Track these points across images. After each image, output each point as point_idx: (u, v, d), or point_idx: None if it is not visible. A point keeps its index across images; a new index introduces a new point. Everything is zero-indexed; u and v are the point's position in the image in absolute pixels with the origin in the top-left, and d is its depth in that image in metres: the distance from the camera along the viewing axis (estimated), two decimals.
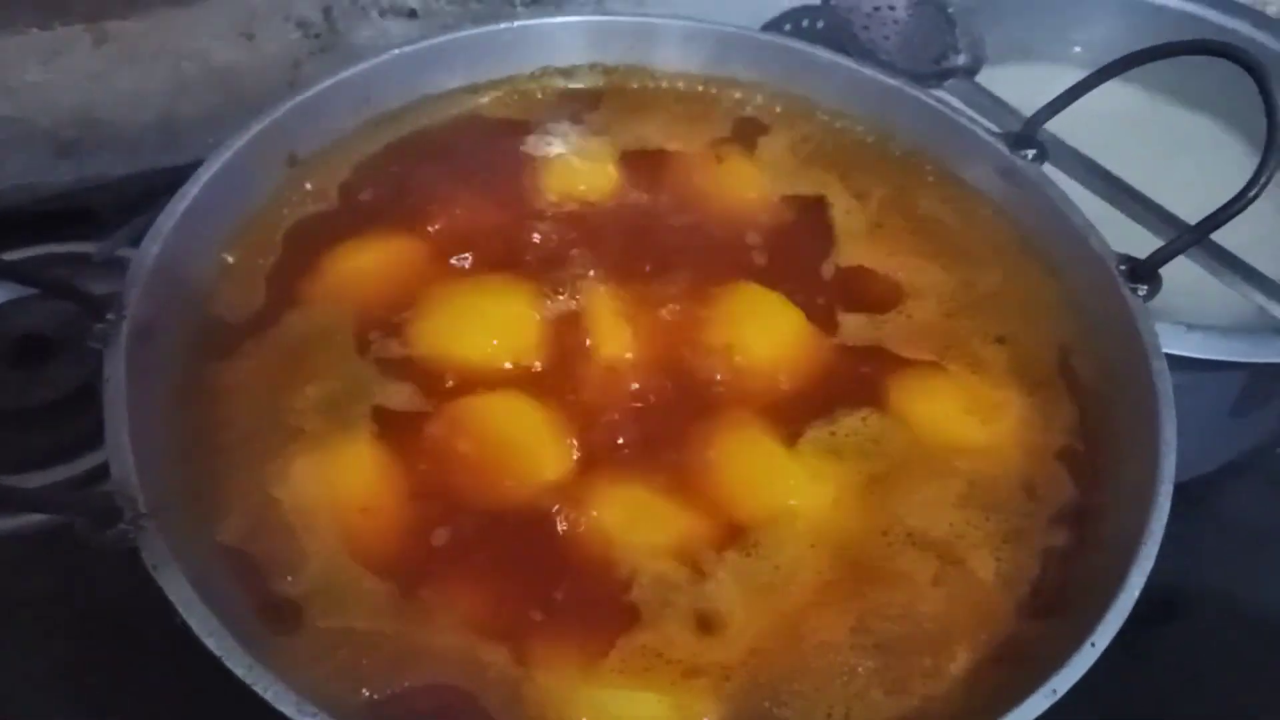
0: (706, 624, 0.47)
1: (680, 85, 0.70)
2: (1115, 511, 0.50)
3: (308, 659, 0.44)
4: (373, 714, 0.43)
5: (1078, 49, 0.92)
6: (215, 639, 0.40)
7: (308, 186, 0.62)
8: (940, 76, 0.77)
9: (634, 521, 0.50)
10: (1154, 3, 0.90)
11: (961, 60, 0.78)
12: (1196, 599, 0.69)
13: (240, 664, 0.39)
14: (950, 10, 0.80)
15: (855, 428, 0.54)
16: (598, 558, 0.48)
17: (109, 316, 0.48)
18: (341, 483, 0.49)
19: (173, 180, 0.55)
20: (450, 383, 0.53)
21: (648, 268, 0.60)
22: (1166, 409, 0.50)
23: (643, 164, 0.66)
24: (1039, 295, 0.60)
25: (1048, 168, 0.62)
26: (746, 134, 0.68)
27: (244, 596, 0.45)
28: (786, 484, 0.52)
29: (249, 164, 0.59)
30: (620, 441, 0.53)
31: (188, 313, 0.54)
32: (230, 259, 0.57)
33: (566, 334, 0.56)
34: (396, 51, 0.65)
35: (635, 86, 0.70)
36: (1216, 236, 0.55)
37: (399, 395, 0.52)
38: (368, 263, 0.58)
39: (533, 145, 0.66)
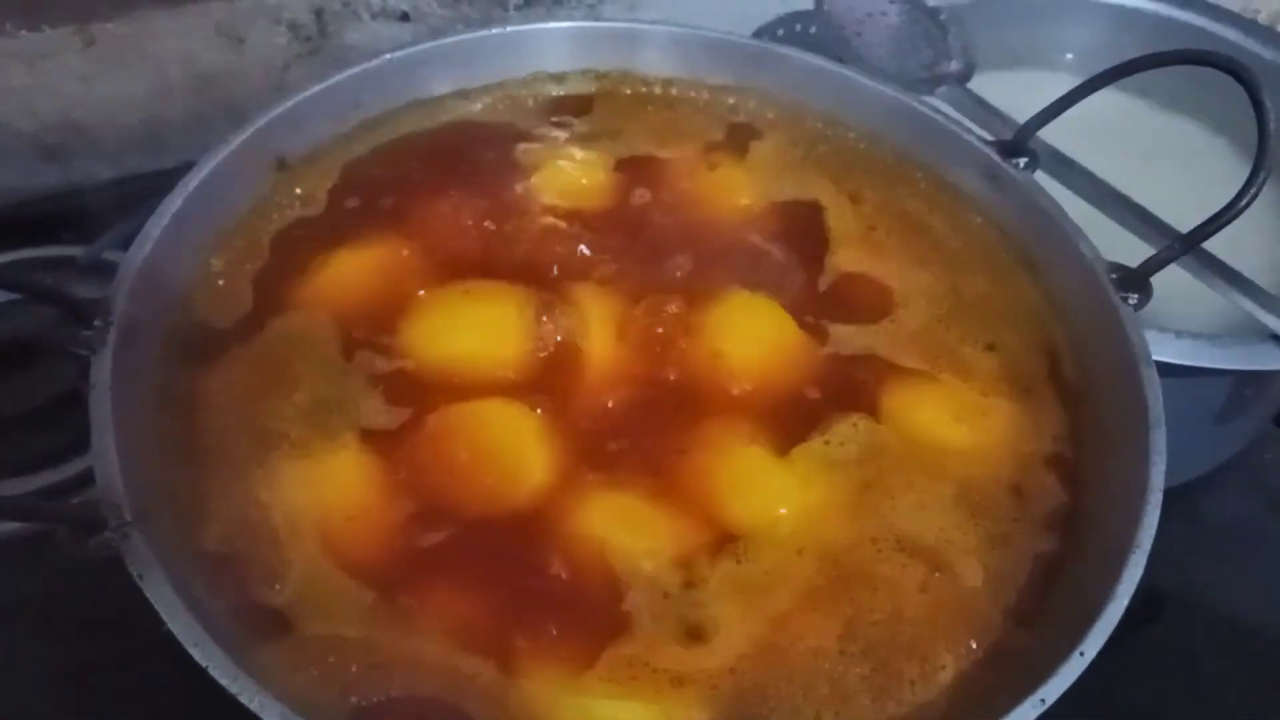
0: (694, 632, 0.47)
1: (672, 91, 0.70)
2: (1104, 519, 0.50)
3: (294, 666, 0.43)
4: None
5: (1069, 55, 0.92)
6: (200, 648, 0.39)
7: (296, 191, 0.61)
8: (932, 83, 0.76)
9: (622, 528, 0.50)
10: (1145, 10, 0.90)
11: (953, 66, 0.78)
12: (1181, 602, 0.70)
13: (225, 673, 0.39)
14: (942, 17, 0.80)
15: (846, 435, 0.54)
16: (586, 565, 0.48)
17: (96, 323, 0.48)
18: (327, 490, 0.49)
19: (158, 184, 0.55)
20: (438, 389, 0.53)
21: (639, 274, 0.60)
22: (1156, 418, 0.50)
23: (634, 170, 0.66)
24: (1029, 303, 0.60)
25: (1039, 174, 0.62)
26: (738, 140, 0.68)
27: (229, 604, 0.45)
28: (777, 491, 0.52)
29: (237, 168, 0.58)
30: (610, 448, 0.52)
31: (174, 318, 0.54)
32: (217, 264, 0.57)
33: (556, 340, 0.56)
34: (387, 56, 0.64)
35: (627, 92, 0.70)
36: (1205, 242, 0.55)
37: (386, 402, 0.52)
38: (356, 268, 0.58)
39: (523, 151, 0.66)
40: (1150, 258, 0.55)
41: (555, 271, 0.59)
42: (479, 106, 0.68)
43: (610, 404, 0.54)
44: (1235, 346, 0.64)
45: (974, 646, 0.47)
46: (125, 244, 0.53)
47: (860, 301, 0.60)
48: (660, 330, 0.57)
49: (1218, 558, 0.73)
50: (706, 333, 0.57)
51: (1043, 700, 0.41)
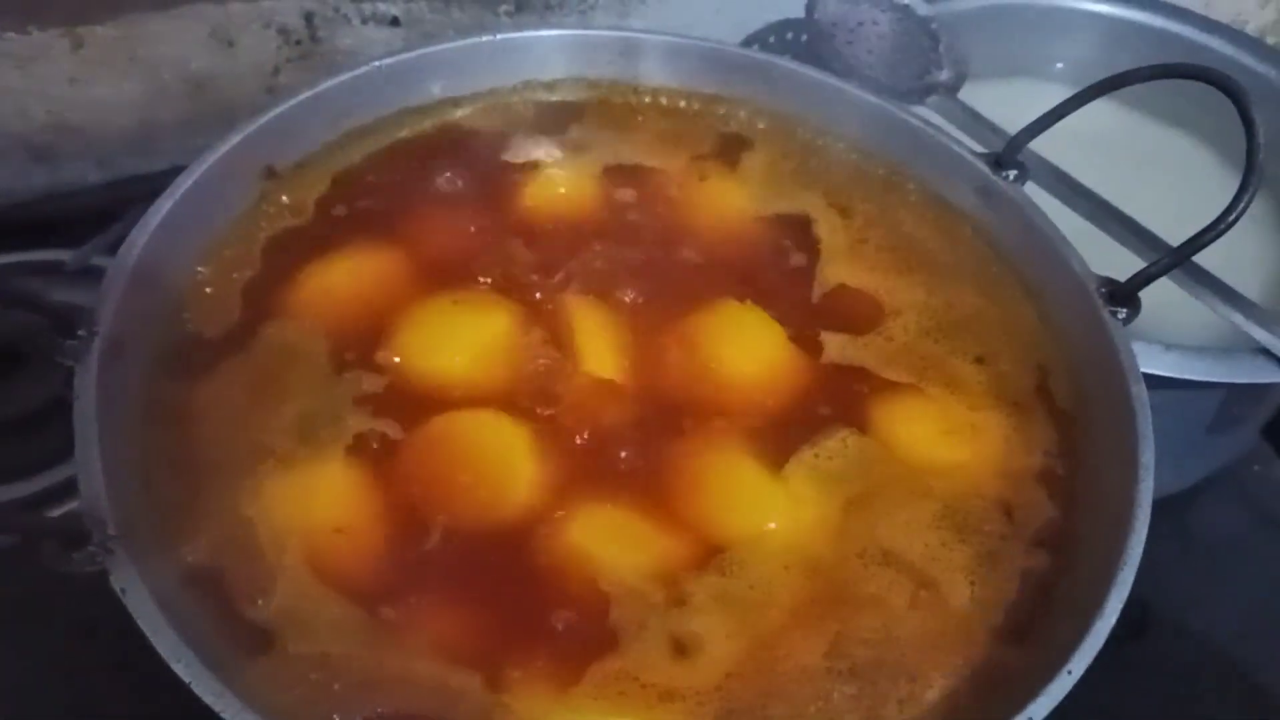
0: (682, 647, 0.47)
1: (663, 100, 0.70)
2: (1092, 534, 0.50)
3: (279, 683, 0.43)
4: None
5: (1059, 65, 0.92)
6: (184, 664, 0.39)
7: (285, 199, 0.61)
8: (923, 92, 0.77)
9: (610, 543, 0.49)
10: (1135, 21, 0.90)
11: (944, 76, 0.78)
12: (1168, 617, 0.70)
13: (209, 690, 0.39)
14: (933, 26, 0.80)
15: (836, 449, 0.53)
16: (574, 580, 0.48)
17: (80, 333, 0.47)
18: (314, 504, 0.49)
19: (147, 188, 0.55)
20: (426, 401, 0.53)
21: (629, 284, 0.59)
22: (1145, 434, 0.50)
23: (625, 180, 0.65)
24: (1018, 316, 0.60)
25: (1029, 186, 0.62)
26: (730, 150, 0.68)
27: (213, 619, 0.44)
28: (765, 506, 0.52)
29: (226, 176, 0.58)
30: (599, 461, 0.52)
31: (160, 328, 0.53)
32: (206, 273, 0.57)
33: (546, 352, 0.55)
34: (377, 63, 0.64)
35: (618, 101, 0.69)
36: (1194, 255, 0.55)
37: (373, 414, 0.52)
38: (345, 278, 0.58)
39: (514, 159, 0.66)
40: (1139, 272, 0.55)
41: (545, 281, 0.59)
42: (469, 114, 0.68)
43: (599, 416, 0.54)
44: (1224, 359, 0.64)
45: (961, 665, 0.47)
46: (113, 249, 0.52)
47: (850, 314, 0.60)
48: (649, 341, 0.57)
49: (1204, 571, 0.73)
50: (696, 344, 0.57)
51: (1030, 719, 0.41)
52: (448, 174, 0.64)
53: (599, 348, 0.56)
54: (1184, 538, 0.73)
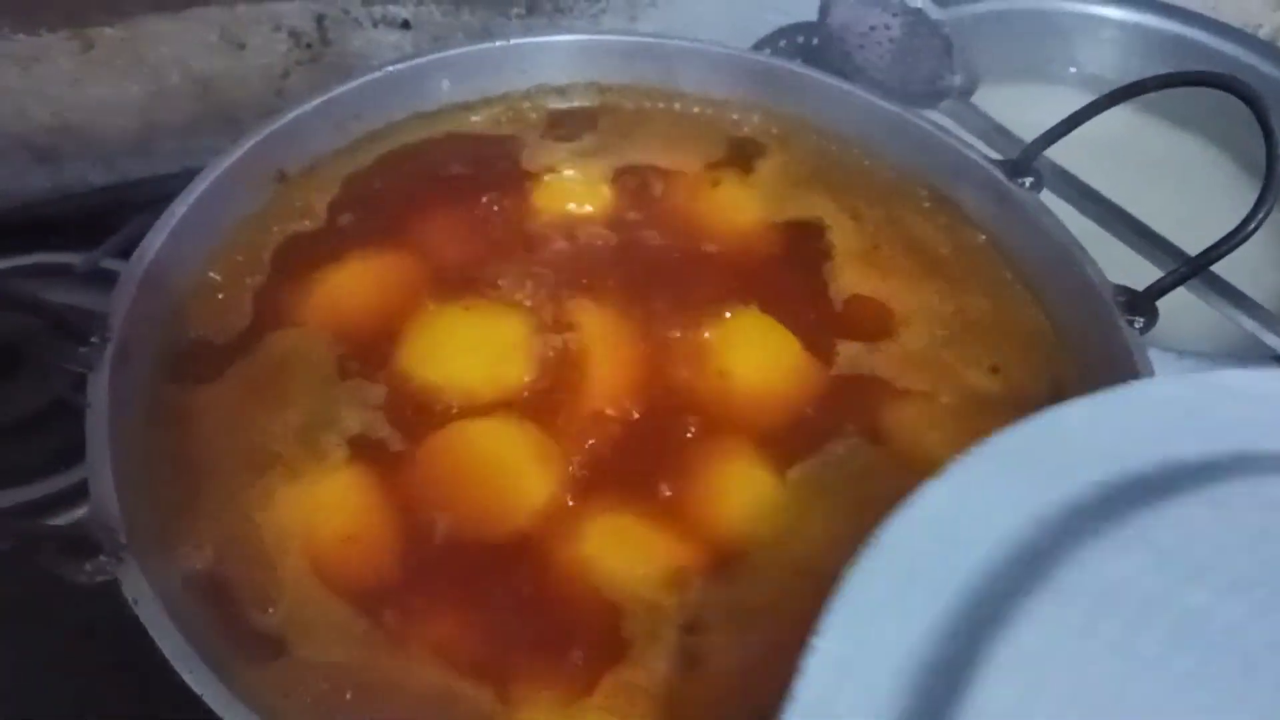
0: (694, 658, 0.46)
1: (676, 106, 0.69)
2: None
3: (286, 692, 0.43)
4: None
5: (1073, 70, 0.92)
6: (194, 675, 0.39)
7: (296, 204, 0.61)
8: (935, 97, 0.76)
9: (621, 551, 0.49)
10: (1148, 26, 0.90)
11: (956, 81, 0.77)
12: None
13: (219, 700, 0.39)
14: (945, 30, 0.79)
15: (847, 458, 0.53)
16: (584, 589, 0.48)
17: (93, 339, 0.47)
18: (322, 511, 0.48)
19: (151, 190, 0.55)
20: (435, 407, 0.53)
21: (641, 291, 0.59)
22: None
23: (638, 185, 0.65)
24: (1033, 324, 0.60)
25: (1044, 194, 0.62)
26: (743, 155, 0.67)
27: (220, 627, 0.44)
28: (778, 514, 0.51)
29: (238, 181, 0.58)
30: (610, 469, 0.52)
31: (171, 332, 0.53)
32: (217, 278, 0.57)
33: (556, 359, 0.55)
34: (389, 68, 0.64)
35: (630, 106, 0.69)
36: None
37: (383, 421, 0.52)
38: (355, 284, 0.57)
39: (526, 164, 0.66)
40: (1156, 281, 0.55)
41: (556, 288, 0.59)
42: (481, 119, 0.68)
43: (611, 425, 0.53)
44: (1237, 367, 0.63)
45: None
46: (123, 253, 0.52)
47: (863, 321, 0.59)
48: (662, 349, 0.57)
49: None
50: (709, 351, 0.57)
51: None
52: (459, 179, 0.64)
53: (611, 355, 0.56)
54: None
